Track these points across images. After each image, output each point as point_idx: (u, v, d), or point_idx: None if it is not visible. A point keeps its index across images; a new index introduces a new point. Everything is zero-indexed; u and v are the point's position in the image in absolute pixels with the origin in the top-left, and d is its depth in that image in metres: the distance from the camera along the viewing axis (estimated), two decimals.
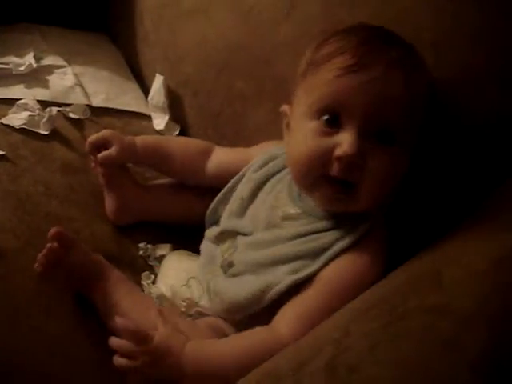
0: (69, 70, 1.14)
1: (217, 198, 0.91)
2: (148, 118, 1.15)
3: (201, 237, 0.93)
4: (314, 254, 0.77)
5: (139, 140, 0.95)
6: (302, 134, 0.77)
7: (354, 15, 0.92)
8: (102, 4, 1.34)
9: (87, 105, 1.09)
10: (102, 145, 0.92)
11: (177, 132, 1.13)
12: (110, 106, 1.12)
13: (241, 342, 0.74)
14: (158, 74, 1.15)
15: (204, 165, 0.95)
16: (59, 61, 1.15)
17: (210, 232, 0.90)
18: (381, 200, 0.77)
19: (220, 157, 0.96)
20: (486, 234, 0.71)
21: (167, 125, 1.13)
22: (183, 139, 1.05)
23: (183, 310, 0.83)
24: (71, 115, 1.06)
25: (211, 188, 0.94)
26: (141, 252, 0.93)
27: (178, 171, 0.97)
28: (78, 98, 1.09)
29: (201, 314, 0.83)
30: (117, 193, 0.94)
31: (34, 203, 0.91)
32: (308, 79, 0.78)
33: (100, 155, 0.92)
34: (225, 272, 0.82)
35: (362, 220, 0.78)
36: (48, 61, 1.13)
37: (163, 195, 0.97)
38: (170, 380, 0.71)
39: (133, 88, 1.21)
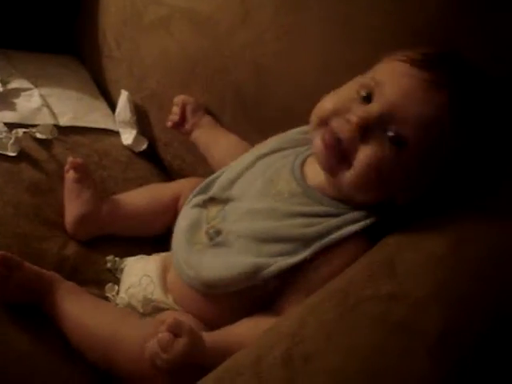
0: (35, 91, 1.15)
1: (214, 175, 0.91)
2: (116, 134, 1.16)
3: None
4: (308, 240, 0.77)
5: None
6: (339, 92, 0.79)
7: (304, 19, 0.95)
8: (71, 26, 1.35)
9: (55, 124, 1.10)
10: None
11: (145, 146, 1.15)
12: (78, 124, 1.13)
13: (254, 331, 0.74)
14: (123, 90, 1.17)
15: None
16: (25, 84, 1.16)
17: (197, 199, 0.89)
18: (368, 195, 0.77)
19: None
20: (444, 219, 0.73)
21: (135, 139, 1.14)
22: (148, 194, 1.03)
23: (141, 311, 0.85)
24: (38, 135, 1.07)
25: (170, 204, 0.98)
26: (108, 265, 0.94)
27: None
28: (45, 119, 1.10)
29: (157, 309, 0.84)
30: (77, 205, 0.96)
31: (4, 224, 0.92)
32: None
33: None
34: (210, 239, 0.82)
35: (363, 214, 0.78)
36: (14, 84, 1.15)
37: (121, 211, 0.98)
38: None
39: (100, 106, 1.22)
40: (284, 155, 0.87)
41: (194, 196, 0.90)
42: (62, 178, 1.02)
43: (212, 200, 0.87)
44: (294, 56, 0.96)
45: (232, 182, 0.87)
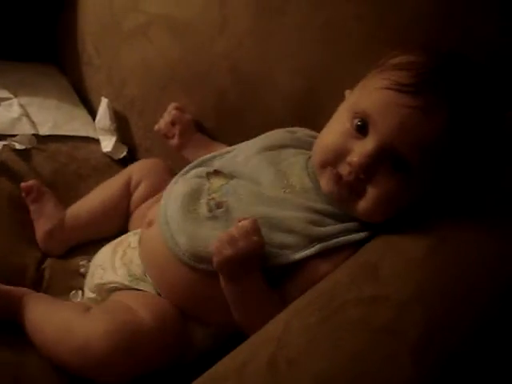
0: (15, 101, 1.15)
1: (212, 153, 0.92)
2: (96, 141, 1.16)
3: None
4: (314, 238, 0.79)
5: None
6: (335, 127, 0.80)
7: (282, 24, 0.96)
8: (50, 35, 1.35)
9: (35, 134, 1.10)
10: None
11: (125, 153, 1.16)
12: (58, 133, 1.13)
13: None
14: (103, 98, 1.17)
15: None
16: (5, 93, 1.16)
17: (199, 171, 0.89)
18: (379, 219, 0.78)
19: None
20: (425, 223, 0.74)
21: (115, 146, 1.14)
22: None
23: (100, 299, 0.87)
24: (17, 146, 1.06)
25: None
26: (82, 269, 0.95)
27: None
28: (24, 129, 1.10)
29: (111, 290, 0.87)
30: (41, 223, 0.98)
31: None
32: (367, 78, 0.79)
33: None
34: (209, 210, 0.82)
35: (365, 225, 0.79)
36: None
37: (81, 219, 0.99)
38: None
39: (81, 114, 1.22)
40: (295, 153, 0.88)
41: (192, 168, 0.90)
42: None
43: (216, 173, 0.87)
44: (274, 61, 0.97)
45: (239, 162, 0.88)
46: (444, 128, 0.72)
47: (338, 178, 0.77)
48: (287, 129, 0.93)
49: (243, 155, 0.89)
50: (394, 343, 0.60)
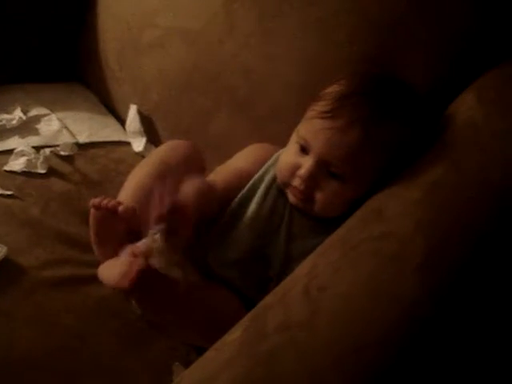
0: (53, 116, 1.29)
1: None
2: (128, 144, 1.31)
3: None
4: None
5: None
6: (288, 150, 0.99)
7: (283, 24, 1.11)
8: (72, 56, 1.49)
9: (75, 142, 1.25)
10: None
11: None
12: (95, 139, 1.28)
13: None
14: (131, 104, 1.32)
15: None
16: (43, 110, 1.30)
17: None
18: (333, 214, 0.95)
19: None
20: (418, 167, 0.87)
21: (145, 146, 1.29)
22: None
23: None
24: (62, 153, 1.21)
25: None
26: None
27: None
28: (65, 138, 1.24)
29: None
30: None
31: (46, 227, 1.08)
32: (307, 110, 0.97)
33: None
34: None
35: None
36: (34, 112, 1.29)
37: None
38: None
39: (111, 122, 1.37)
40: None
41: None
42: (86, 187, 1.17)
43: None
44: (278, 58, 1.11)
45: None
46: (360, 140, 0.90)
47: (296, 189, 0.95)
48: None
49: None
50: (400, 266, 0.73)
